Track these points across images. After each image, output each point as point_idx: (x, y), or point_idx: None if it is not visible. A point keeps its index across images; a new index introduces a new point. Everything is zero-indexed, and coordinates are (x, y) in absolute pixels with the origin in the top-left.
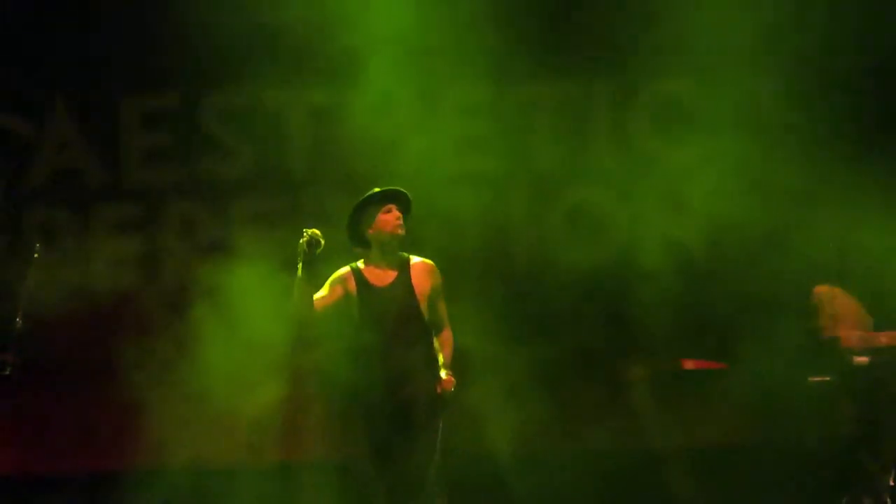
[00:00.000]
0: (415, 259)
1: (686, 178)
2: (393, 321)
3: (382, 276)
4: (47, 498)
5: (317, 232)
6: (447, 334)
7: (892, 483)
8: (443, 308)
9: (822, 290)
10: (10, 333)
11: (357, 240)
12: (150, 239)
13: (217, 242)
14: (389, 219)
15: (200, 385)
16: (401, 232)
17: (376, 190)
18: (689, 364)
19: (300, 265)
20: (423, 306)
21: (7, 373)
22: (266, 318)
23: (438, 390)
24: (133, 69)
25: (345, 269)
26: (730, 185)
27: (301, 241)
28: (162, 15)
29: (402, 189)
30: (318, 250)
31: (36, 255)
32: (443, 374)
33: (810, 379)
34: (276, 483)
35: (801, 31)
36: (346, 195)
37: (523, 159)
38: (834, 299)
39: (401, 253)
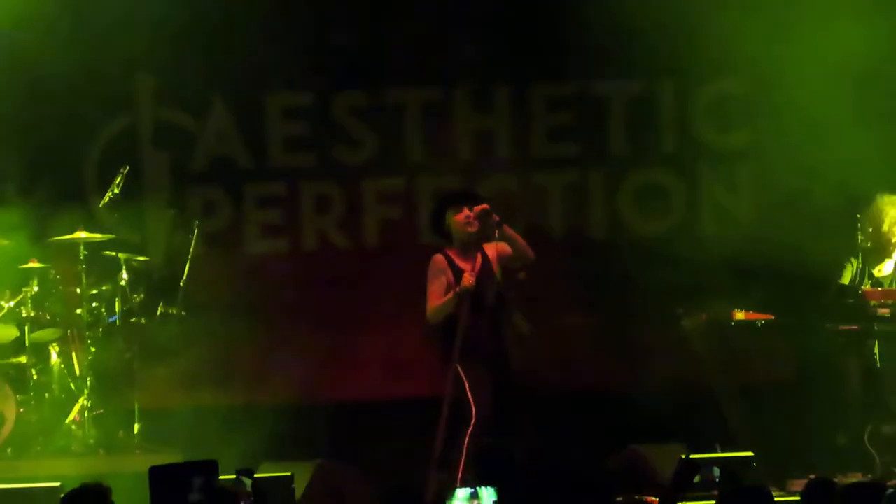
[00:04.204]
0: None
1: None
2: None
3: (467, 265)
4: None
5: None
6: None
7: None
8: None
9: (887, 201)
10: (176, 291)
11: (440, 234)
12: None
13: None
14: (460, 219)
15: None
16: (471, 230)
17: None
18: (740, 315)
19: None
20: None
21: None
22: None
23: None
24: (277, 72)
25: (441, 259)
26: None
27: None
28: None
29: (471, 191)
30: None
31: (196, 228)
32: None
33: (840, 328)
34: None
35: None
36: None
37: None
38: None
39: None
